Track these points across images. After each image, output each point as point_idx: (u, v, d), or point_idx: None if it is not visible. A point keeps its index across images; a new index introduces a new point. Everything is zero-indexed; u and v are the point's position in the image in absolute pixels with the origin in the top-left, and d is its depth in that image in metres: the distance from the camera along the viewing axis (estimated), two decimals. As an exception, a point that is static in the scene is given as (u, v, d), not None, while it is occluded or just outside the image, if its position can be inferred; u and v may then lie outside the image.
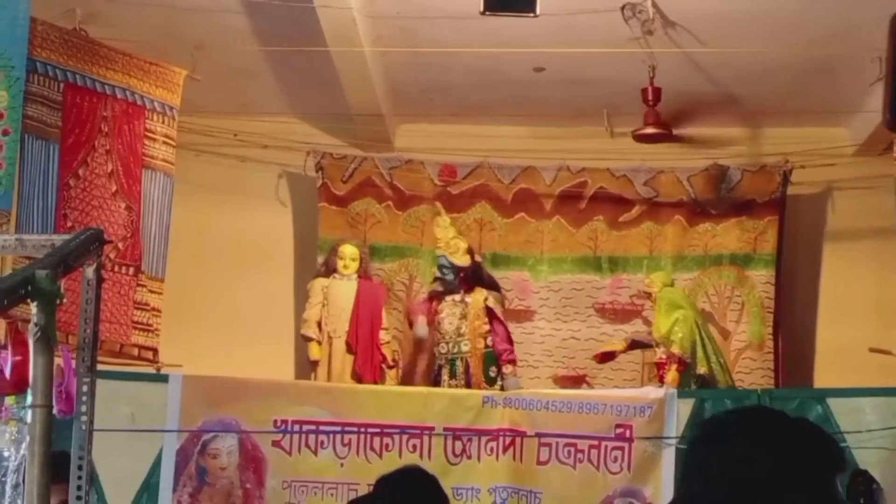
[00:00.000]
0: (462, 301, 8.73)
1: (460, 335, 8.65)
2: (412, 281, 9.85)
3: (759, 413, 2.29)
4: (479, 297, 8.75)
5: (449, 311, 8.70)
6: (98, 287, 4.61)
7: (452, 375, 8.54)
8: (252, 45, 8.79)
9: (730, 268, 9.94)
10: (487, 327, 8.67)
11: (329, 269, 8.97)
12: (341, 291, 8.86)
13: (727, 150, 10.07)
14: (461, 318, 8.69)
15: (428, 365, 8.93)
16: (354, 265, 8.92)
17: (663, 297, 8.90)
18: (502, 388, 8.37)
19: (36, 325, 3.90)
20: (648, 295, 9.12)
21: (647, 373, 9.57)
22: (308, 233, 9.89)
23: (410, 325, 8.93)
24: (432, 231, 9.84)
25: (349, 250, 8.97)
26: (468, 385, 8.49)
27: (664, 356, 8.70)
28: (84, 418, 4.58)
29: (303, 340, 8.96)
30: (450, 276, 8.74)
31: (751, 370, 9.67)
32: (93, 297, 4.56)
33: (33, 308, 3.91)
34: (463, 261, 8.77)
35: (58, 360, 4.50)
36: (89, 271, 4.59)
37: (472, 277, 8.81)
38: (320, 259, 9.43)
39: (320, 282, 8.95)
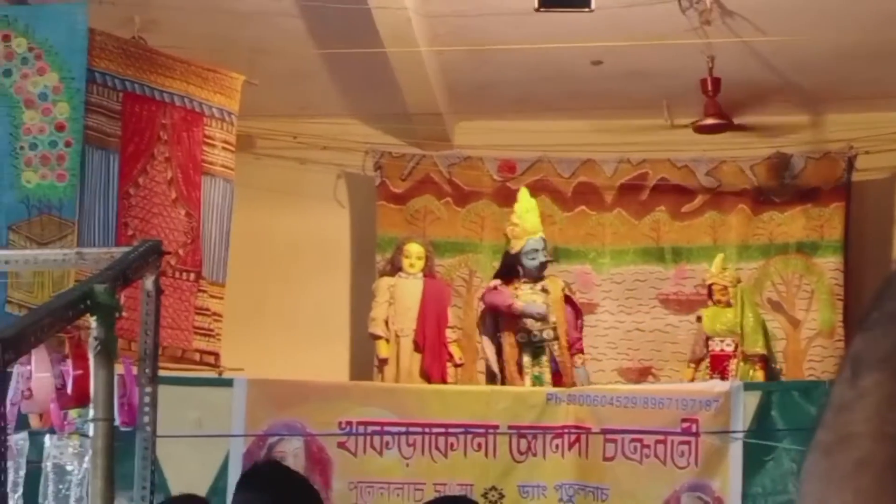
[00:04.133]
0: (543, 289, 8.57)
1: (544, 322, 8.53)
2: (472, 276, 9.85)
3: None
4: (557, 285, 8.67)
5: (528, 297, 8.55)
6: (157, 299, 4.65)
7: (536, 363, 8.48)
8: (308, 48, 8.82)
9: (796, 256, 9.85)
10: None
11: (394, 268, 8.97)
12: (407, 290, 8.87)
13: (789, 138, 9.96)
14: (544, 304, 8.53)
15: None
16: (420, 263, 8.92)
17: (745, 292, 8.90)
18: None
19: (96, 339, 3.93)
20: (724, 288, 8.95)
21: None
22: (365, 233, 9.93)
23: (499, 311, 8.58)
24: (493, 226, 9.84)
25: (415, 249, 8.97)
26: (554, 373, 8.40)
27: (730, 349, 8.66)
28: (147, 429, 4.62)
29: (370, 339, 8.96)
30: (536, 262, 8.54)
31: (822, 358, 9.57)
32: (152, 309, 4.59)
33: (93, 322, 3.95)
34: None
35: (119, 371, 4.55)
36: (148, 283, 4.63)
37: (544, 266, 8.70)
38: (380, 258, 9.45)
39: (386, 280, 8.96)
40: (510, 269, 8.72)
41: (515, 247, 8.66)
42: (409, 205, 9.89)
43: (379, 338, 8.82)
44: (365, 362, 9.23)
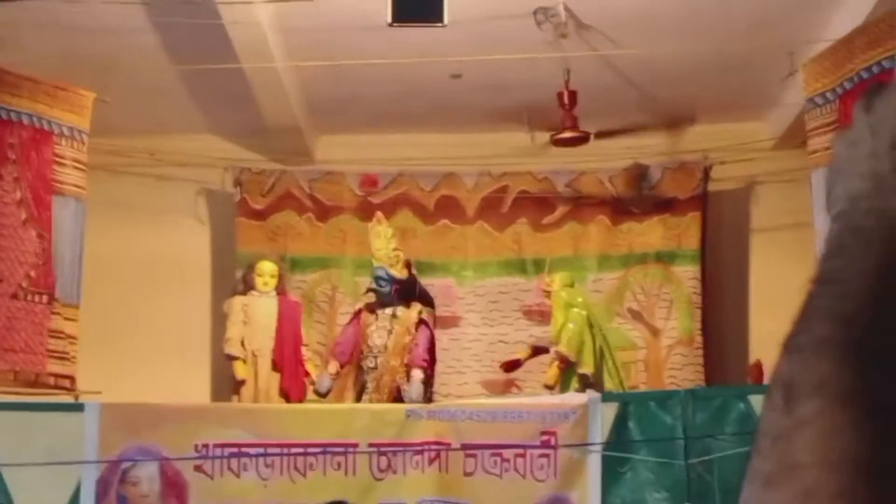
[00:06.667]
0: (393, 315, 8.50)
1: (387, 350, 8.46)
2: (335, 292, 9.81)
3: None
4: (413, 312, 8.54)
5: (379, 324, 8.51)
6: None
7: (375, 390, 8.42)
8: (163, 64, 8.69)
9: (655, 265, 9.97)
10: (411, 341, 8.51)
11: (247, 287, 8.84)
12: (262, 309, 8.74)
13: (647, 149, 10.09)
14: (389, 332, 8.49)
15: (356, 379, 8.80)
16: (273, 282, 8.80)
17: (559, 297, 8.82)
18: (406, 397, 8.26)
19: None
20: (548, 294, 8.97)
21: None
22: (225, 250, 9.82)
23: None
24: (355, 240, 9.79)
25: (268, 267, 8.84)
26: (392, 401, 8.38)
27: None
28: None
29: (226, 360, 8.83)
30: (386, 289, 8.46)
31: (682, 366, 9.72)
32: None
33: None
34: (401, 273, 8.56)
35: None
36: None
37: (407, 291, 8.59)
38: (238, 275, 9.33)
39: (239, 300, 8.81)
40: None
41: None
42: (269, 220, 9.81)
43: (236, 358, 8.68)
44: (226, 382, 9.10)
